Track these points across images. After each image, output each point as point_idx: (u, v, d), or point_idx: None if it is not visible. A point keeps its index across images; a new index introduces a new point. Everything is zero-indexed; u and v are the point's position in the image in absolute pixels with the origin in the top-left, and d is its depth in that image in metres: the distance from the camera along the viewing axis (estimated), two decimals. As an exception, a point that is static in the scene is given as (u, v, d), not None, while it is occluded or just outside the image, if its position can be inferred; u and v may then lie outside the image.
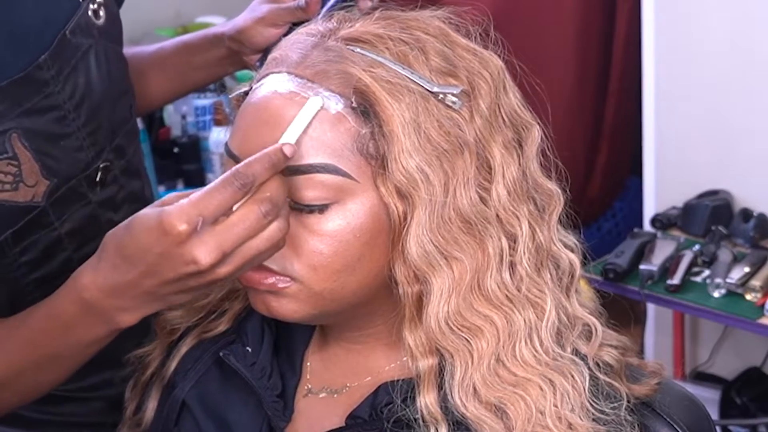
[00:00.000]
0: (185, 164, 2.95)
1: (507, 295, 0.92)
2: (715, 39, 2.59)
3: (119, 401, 1.19)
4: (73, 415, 1.25)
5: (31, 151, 1.10)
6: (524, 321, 0.92)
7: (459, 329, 0.90)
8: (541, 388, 0.90)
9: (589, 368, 0.94)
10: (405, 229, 0.90)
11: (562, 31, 3.00)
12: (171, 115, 3.02)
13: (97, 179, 1.19)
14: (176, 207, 0.84)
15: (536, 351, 0.92)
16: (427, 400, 0.90)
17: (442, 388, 0.91)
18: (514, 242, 0.93)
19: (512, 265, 0.92)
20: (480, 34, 0.97)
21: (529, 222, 0.93)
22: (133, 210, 1.21)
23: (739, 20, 2.55)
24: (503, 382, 0.90)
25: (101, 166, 1.20)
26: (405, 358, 0.96)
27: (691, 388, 1.44)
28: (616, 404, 0.93)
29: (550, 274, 0.95)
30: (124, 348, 1.17)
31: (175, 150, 2.95)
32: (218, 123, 2.94)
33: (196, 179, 2.97)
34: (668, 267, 2.49)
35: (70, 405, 1.25)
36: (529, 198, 0.94)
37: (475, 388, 0.90)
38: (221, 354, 1.03)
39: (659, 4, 2.64)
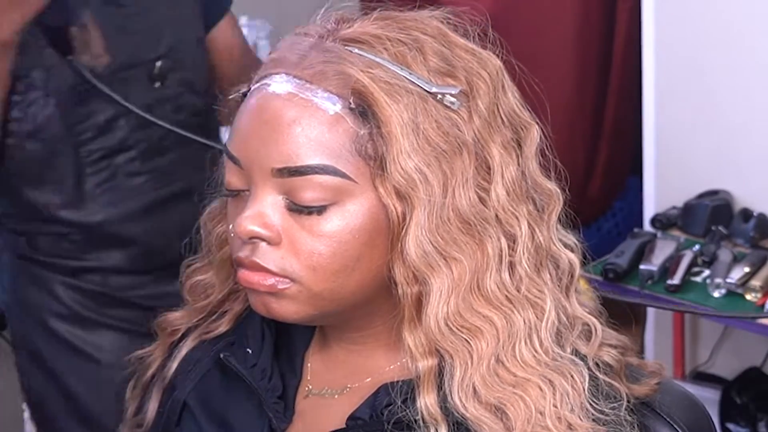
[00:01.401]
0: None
1: (506, 296, 0.92)
2: (715, 39, 2.59)
3: None
4: (130, 323, 1.33)
5: (101, 27, 1.31)
6: (524, 321, 0.91)
7: (458, 330, 0.90)
8: (541, 389, 0.90)
9: (588, 368, 0.93)
10: (404, 229, 0.90)
11: (562, 31, 3.01)
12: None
13: (155, 73, 1.41)
14: None
15: (536, 351, 0.92)
16: (427, 401, 0.90)
17: (442, 389, 0.91)
18: (514, 242, 0.92)
19: (511, 266, 0.92)
20: (478, 35, 0.97)
21: (528, 222, 0.93)
22: (188, 121, 1.48)
23: (739, 20, 2.55)
24: (503, 383, 0.90)
25: (159, 64, 1.40)
26: (405, 359, 0.96)
27: (691, 388, 1.43)
28: (615, 404, 0.93)
29: (550, 274, 0.94)
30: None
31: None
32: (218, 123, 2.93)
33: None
34: (668, 267, 2.49)
35: (129, 311, 1.34)
36: (529, 198, 0.94)
37: (474, 389, 0.90)
38: (222, 356, 1.03)
39: (659, 4, 2.64)
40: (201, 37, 1.60)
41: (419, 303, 0.91)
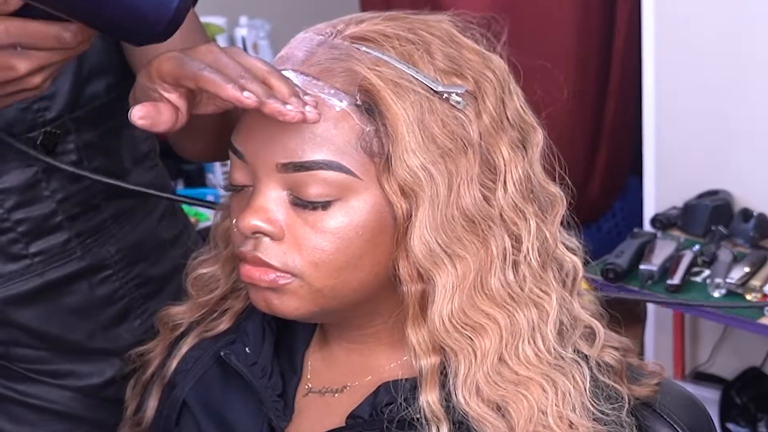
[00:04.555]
0: (185, 164, 2.95)
1: (510, 294, 0.92)
2: (715, 39, 2.59)
3: (89, 394, 1.21)
4: (40, 399, 1.25)
5: None
6: (527, 320, 0.92)
7: (462, 327, 0.90)
8: (543, 388, 0.90)
9: (590, 369, 0.94)
10: (409, 227, 0.90)
11: (561, 31, 3.01)
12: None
13: (38, 143, 1.17)
14: None
15: (539, 350, 0.92)
16: (429, 399, 0.90)
17: (444, 387, 0.91)
18: (518, 242, 0.93)
19: (515, 265, 0.92)
20: (486, 38, 0.97)
21: (532, 223, 0.93)
22: (104, 188, 1.21)
23: (739, 20, 2.55)
24: (505, 381, 0.90)
25: (45, 131, 1.17)
26: (406, 358, 0.97)
27: (691, 388, 1.44)
28: (616, 405, 0.93)
29: (553, 276, 0.95)
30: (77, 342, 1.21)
31: (176, 149, 2.94)
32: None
33: (196, 179, 2.97)
34: (668, 267, 2.49)
35: (37, 387, 1.25)
36: (533, 199, 0.94)
37: (478, 387, 0.90)
38: (222, 354, 1.03)
39: (659, 4, 2.64)
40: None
41: (423, 301, 0.91)
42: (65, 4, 0.88)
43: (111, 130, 1.24)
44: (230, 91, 0.85)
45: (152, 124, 0.89)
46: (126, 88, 1.25)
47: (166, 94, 0.90)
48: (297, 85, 0.90)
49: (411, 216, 0.90)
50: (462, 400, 0.90)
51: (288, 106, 0.86)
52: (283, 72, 0.92)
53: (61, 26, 0.90)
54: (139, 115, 0.89)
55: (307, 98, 0.88)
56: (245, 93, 0.85)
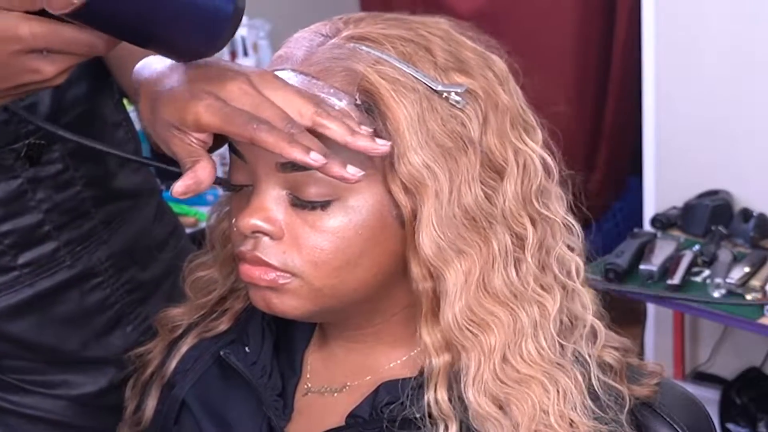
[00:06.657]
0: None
1: (513, 292, 0.92)
2: (715, 39, 2.59)
3: (84, 403, 1.22)
4: (34, 409, 1.25)
5: None
6: (530, 319, 0.92)
7: (470, 324, 0.91)
8: (545, 387, 0.90)
9: (590, 368, 0.94)
10: (416, 225, 0.90)
11: (562, 31, 3.01)
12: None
13: (22, 155, 1.15)
14: None
15: (541, 348, 0.92)
16: (438, 397, 0.90)
17: (451, 386, 0.91)
18: (520, 240, 0.93)
19: (518, 264, 0.93)
20: (484, 40, 0.98)
21: (534, 222, 0.93)
22: (93, 194, 1.21)
23: (739, 21, 2.55)
24: (509, 379, 0.90)
25: (29, 142, 1.15)
26: (405, 357, 0.97)
27: (691, 388, 1.43)
28: (616, 405, 0.93)
29: (554, 275, 0.95)
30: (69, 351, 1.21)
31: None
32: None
33: (196, 179, 2.95)
34: (668, 267, 2.49)
35: (31, 397, 1.24)
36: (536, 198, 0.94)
37: (486, 385, 0.90)
38: (222, 353, 1.03)
39: (659, 4, 2.64)
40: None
41: (435, 299, 0.91)
42: (115, 27, 0.83)
43: (95, 135, 1.22)
44: (297, 155, 0.84)
45: (195, 192, 0.89)
46: (105, 91, 1.25)
47: (196, 136, 0.89)
48: (296, 85, 0.90)
49: (417, 214, 0.90)
50: (471, 398, 0.90)
51: (350, 169, 0.85)
52: (283, 72, 0.92)
53: (93, 33, 0.85)
54: (181, 191, 0.89)
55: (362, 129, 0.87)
56: (312, 155, 0.84)
